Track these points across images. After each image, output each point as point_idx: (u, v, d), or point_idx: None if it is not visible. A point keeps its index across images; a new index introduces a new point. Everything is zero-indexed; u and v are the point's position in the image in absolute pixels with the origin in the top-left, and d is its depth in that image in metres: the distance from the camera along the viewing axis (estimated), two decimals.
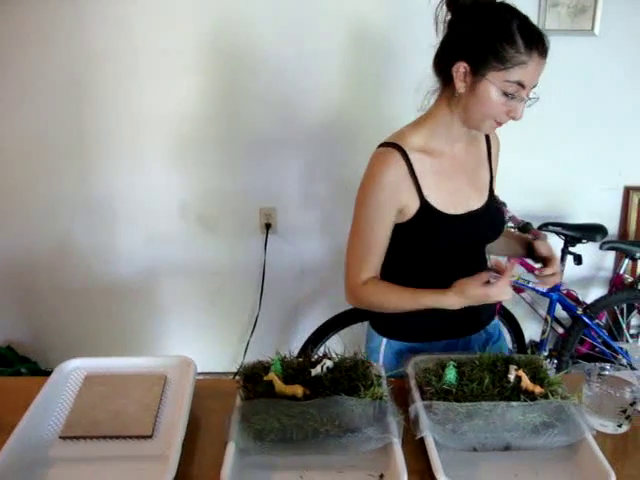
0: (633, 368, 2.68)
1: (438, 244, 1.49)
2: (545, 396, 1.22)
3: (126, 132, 2.73)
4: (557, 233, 2.59)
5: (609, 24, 2.65)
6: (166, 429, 1.19)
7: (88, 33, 2.59)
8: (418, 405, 1.21)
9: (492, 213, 1.57)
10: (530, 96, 1.36)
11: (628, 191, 2.90)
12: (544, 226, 2.57)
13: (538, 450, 1.17)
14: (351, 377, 1.25)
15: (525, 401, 1.21)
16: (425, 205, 1.44)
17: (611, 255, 2.98)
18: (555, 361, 2.65)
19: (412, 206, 1.44)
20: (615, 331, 2.82)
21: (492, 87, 1.33)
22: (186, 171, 2.81)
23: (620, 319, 2.80)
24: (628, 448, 1.24)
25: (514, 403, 1.19)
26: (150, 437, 1.17)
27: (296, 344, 2.80)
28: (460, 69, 1.35)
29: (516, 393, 1.23)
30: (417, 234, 1.47)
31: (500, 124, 1.41)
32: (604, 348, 2.71)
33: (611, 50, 2.71)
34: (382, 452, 1.13)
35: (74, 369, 1.38)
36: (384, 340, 1.62)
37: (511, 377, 1.26)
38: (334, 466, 1.13)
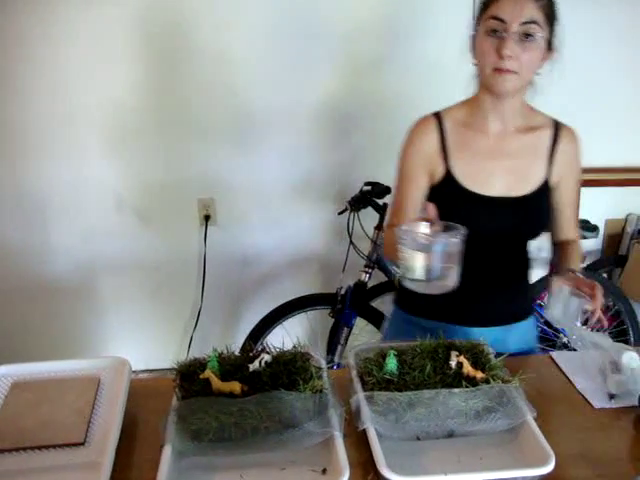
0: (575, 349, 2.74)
1: (458, 219, 1.37)
2: (487, 381, 1.22)
3: (56, 123, 2.62)
4: None
5: None
6: (100, 435, 1.14)
7: (13, 18, 2.45)
8: (359, 396, 1.19)
9: (529, 209, 1.52)
10: (533, 33, 1.35)
11: None
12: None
13: (481, 435, 1.17)
14: (290, 371, 1.21)
15: (467, 387, 1.20)
16: (448, 175, 1.48)
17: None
18: None
19: (439, 173, 1.49)
20: None
21: (480, 33, 1.39)
22: (121, 163, 2.72)
23: None
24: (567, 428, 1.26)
25: (456, 390, 1.18)
26: (82, 444, 1.11)
27: (241, 337, 2.77)
28: (470, 39, 1.45)
29: (458, 379, 1.23)
30: (440, 202, 1.39)
31: (501, 72, 1.37)
32: (546, 327, 2.76)
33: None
34: (324, 446, 1.11)
35: None
36: (393, 307, 1.70)
37: (452, 364, 1.25)
38: (276, 463, 1.10)
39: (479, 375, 1.23)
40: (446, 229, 1.24)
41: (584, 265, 2.90)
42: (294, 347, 1.30)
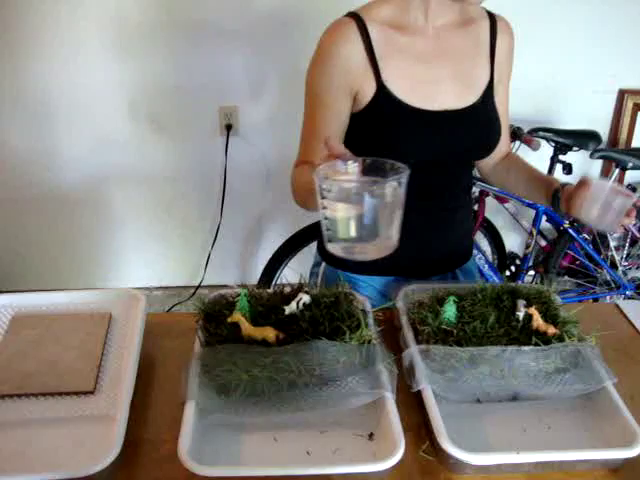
0: (619, 285, 2.58)
1: (398, 145, 1.20)
2: (559, 338, 1.05)
3: (62, 21, 2.37)
4: (547, 139, 2.39)
5: None
6: (112, 382, 0.99)
7: None
8: (413, 350, 1.02)
9: (480, 120, 1.27)
10: None
11: (623, 94, 2.69)
12: (533, 131, 2.36)
13: (548, 400, 1.01)
14: (333, 316, 1.05)
15: (537, 344, 1.03)
16: (382, 91, 1.18)
17: (598, 164, 2.80)
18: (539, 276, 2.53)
19: (368, 91, 1.19)
20: (599, 244, 2.69)
21: None
22: (134, 66, 2.49)
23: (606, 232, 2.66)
24: None
25: (526, 348, 1.02)
26: (92, 393, 0.96)
27: (263, 256, 2.61)
28: None
29: (526, 334, 1.06)
30: (373, 129, 1.20)
31: None
32: (587, 262, 2.59)
33: None
34: (371, 407, 0.95)
35: None
36: (323, 264, 1.42)
37: (520, 315, 1.08)
38: (315, 425, 0.95)
39: (551, 330, 1.06)
40: (377, 166, 0.93)
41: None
42: (336, 285, 1.13)
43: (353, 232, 0.90)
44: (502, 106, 1.34)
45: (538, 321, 1.07)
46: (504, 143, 1.40)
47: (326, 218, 0.91)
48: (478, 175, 1.49)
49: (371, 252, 0.93)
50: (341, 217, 0.90)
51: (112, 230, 2.79)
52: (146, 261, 2.87)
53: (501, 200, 2.53)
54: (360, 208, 0.88)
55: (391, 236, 0.93)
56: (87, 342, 1.05)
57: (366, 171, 0.93)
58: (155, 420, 0.97)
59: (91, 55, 2.45)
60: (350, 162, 0.93)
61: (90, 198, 2.70)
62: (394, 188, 0.89)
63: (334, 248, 0.94)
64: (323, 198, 0.89)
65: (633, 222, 1.14)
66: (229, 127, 2.59)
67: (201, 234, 2.82)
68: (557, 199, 1.24)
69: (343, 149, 0.95)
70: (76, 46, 2.43)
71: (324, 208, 0.90)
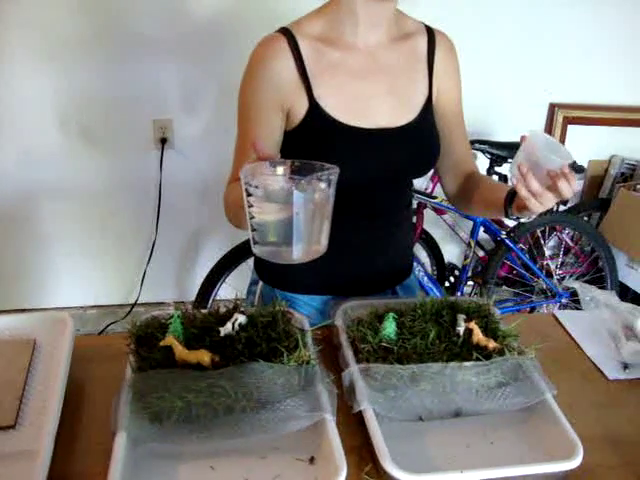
0: (555, 294, 2.63)
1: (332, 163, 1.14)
2: (500, 352, 1.04)
3: None
4: (483, 151, 2.42)
5: None
6: (35, 414, 0.92)
7: None
8: (353, 370, 1.00)
9: (417, 138, 1.24)
10: None
11: (553, 108, 2.77)
12: (469, 144, 2.38)
13: (490, 414, 1.00)
14: (270, 336, 1.02)
15: (478, 359, 1.02)
16: (314, 108, 1.15)
17: None
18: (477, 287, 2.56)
19: (300, 108, 1.16)
20: (535, 253, 2.75)
21: None
22: (62, 75, 2.39)
23: (541, 241, 2.72)
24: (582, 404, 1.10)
25: (467, 363, 1.01)
26: (13, 427, 0.90)
27: (199, 273, 2.55)
28: None
29: (467, 349, 1.05)
30: (306, 147, 1.17)
31: None
32: (523, 271, 2.63)
33: None
34: (312, 430, 0.92)
35: None
36: (260, 282, 1.38)
37: (460, 330, 1.07)
38: (253, 451, 0.91)
39: (491, 344, 1.05)
40: (307, 169, 0.90)
41: (564, 208, 2.76)
42: (273, 304, 1.10)
43: (280, 234, 0.87)
44: (454, 118, 1.31)
45: (478, 336, 1.06)
46: (466, 161, 1.38)
47: (252, 217, 0.88)
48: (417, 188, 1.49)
49: (298, 256, 0.90)
50: (268, 217, 0.87)
51: (42, 248, 2.68)
52: (80, 279, 2.76)
53: (439, 212, 2.56)
54: (288, 208, 0.85)
55: (320, 240, 0.90)
56: (8, 371, 0.98)
57: (295, 173, 0.90)
58: (84, 452, 0.91)
59: (18, 65, 2.35)
60: (278, 164, 0.91)
61: (18, 214, 2.59)
62: (323, 186, 0.86)
63: (260, 250, 0.91)
64: (249, 196, 0.86)
65: (572, 190, 1.03)
66: (164, 141, 2.54)
67: (136, 250, 2.74)
68: (509, 202, 1.17)
69: (271, 152, 0.92)
70: (1, 55, 2.32)
71: (250, 207, 0.87)
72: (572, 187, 1.03)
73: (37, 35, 2.32)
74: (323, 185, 0.87)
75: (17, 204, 2.56)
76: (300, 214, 0.85)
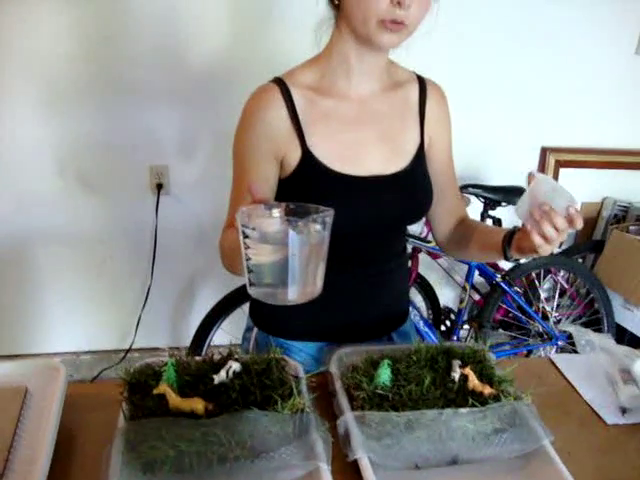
0: (551, 337, 2.62)
1: None
2: (496, 397, 1.04)
3: None
4: (477, 195, 2.44)
5: None
6: (24, 465, 0.90)
7: None
8: (348, 417, 0.98)
9: (409, 186, 1.25)
10: None
11: (545, 152, 2.81)
12: (463, 188, 2.41)
13: (488, 462, 0.98)
14: (264, 384, 1.01)
15: (474, 405, 1.01)
16: (308, 157, 1.17)
17: None
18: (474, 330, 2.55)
19: (293, 157, 1.18)
20: (531, 296, 2.74)
21: None
22: (61, 121, 2.42)
23: (537, 284, 2.72)
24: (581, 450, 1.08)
25: (463, 410, 1.00)
26: (1, 478, 0.88)
27: (194, 319, 2.54)
28: None
29: (462, 395, 1.04)
30: (300, 195, 1.16)
31: (394, 25, 1.07)
32: (519, 314, 2.62)
33: (533, 4, 2.58)
34: (307, 478, 0.90)
35: None
36: (255, 329, 1.38)
37: (455, 376, 1.06)
38: None
39: (487, 390, 1.05)
40: (302, 212, 0.91)
41: (558, 250, 2.77)
42: (268, 351, 1.09)
43: (276, 275, 0.87)
44: (444, 166, 1.33)
45: (474, 381, 1.05)
46: (458, 206, 1.39)
47: (248, 259, 0.88)
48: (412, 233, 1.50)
49: (293, 297, 0.89)
50: (264, 259, 0.87)
51: (36, 292, 2.67)
52: (73, 324, 2.74)
53: (434, 256, 2.56)
54: (284, 250, 0.85)
55: (315, 281, 0.90)
56: None
57: (290, 216, 0.91)
58: None
59: (18, 110, 2.38)
60: (274, 207, 0.92)
61: (13, 258, 2.58)
62: (319, 228, 0.87)
63: (256, 292, 0.91)
64: (245, 238, 0.86)
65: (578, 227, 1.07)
66: (160, 186, 2.55)
67: (131, 295, 2.72)
68: (507, 244, 1.19)
69: (267, 196, 0.93)
70: (1, 101, 2.36)
71: (247, 248, 0.87)
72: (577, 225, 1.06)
73: (36, 83, 2.35)
74: (318, 227, 0.88)
75: (12, 248, 2.55)
76: (296, 256, 0.86)
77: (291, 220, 0.88)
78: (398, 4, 1.05)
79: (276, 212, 0.92)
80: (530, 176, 1.08)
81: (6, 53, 2.29)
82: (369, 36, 1.11)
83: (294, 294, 0.89)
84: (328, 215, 0.88)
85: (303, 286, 0.89)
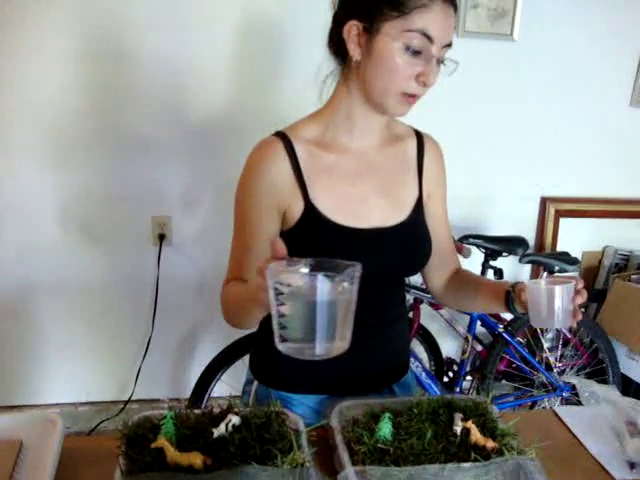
0: (555, 387, 2.59)
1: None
2: (499, 451, 1.02)
3: None
4: (478, 246, 2.44)
5: (528, 30, 2.58)
6: None
7: None
8: (349, 472, 0.96)
9: (408, 238, 1.26)
10: (445, 61, 1.12)
11: (545, 202, 2.83)
12: (464, 239, 2.42)
13: None
14: (263, 438, 0.99)
15: (476, 460, 0.99)
16: (310, 210, 1.18)
17: (527, 268, 2.88)
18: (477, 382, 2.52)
19: (296, 210, 1.19)
20: (534, 346, 2.72)
21: (391, 42, 1.08)
22: (65, 172, 2.45)
23: (539, 334, 2.70)
24: None
25: (465, 464, 0.98)
26: None
27: (195, 369, 2.51)
28: (352, 30, 1.12)
29: (464, 449, 1.02)
30: (303, 247, 1.18)
31: (412, 98, 1.12)
32: (522, 365, 2.59)
33: (529, 56, 2.64)
34: None
35: None
36: (255, 382, 1.36)
37: (457, 430, 1.05)
38: None
39: (490, 444, 1.03)
40: (328, 267, 0.90)
41: None
42: (268, 404, 1.08)
43: (307, 330, 0.87)
44: (439, 219, 1.35)
45: (476, 435, 1.04)
46: (452, 258, 1.41)
47: (281, 316, 0.88)
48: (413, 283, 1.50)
49: (322, 352, 0.88)
50: (295, 314, 0.87)
51: (35, 342, 2.65)
52: (72, 375, 2.71)
53: (435, 307, 2.55)
54: (314, 305, 0.85)
55: (345, 336, 0.90)
56: None
57: (314, 270, 0.90)
58: None
59: (22, 161, 2.41)
60: (296, 262, 0.92)
61: (11, 307, 2.57)
62: (347, 283, 0.88)
63: (286, 347, 0.90)
64: (279, 294, 0.87)
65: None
66: (162, 237, 2.56)
67: (131, 346, 2.70)
68: (511, 301, 1.21)
69: (283, 251, 0.93)
70: (6, 151, 2.39)
71: (279, 305, 0.87)
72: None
73: (41, 134, 2.39)
74: (347, 282, 0.88)
75: (12, 298, 2.55)
76: (325, 310, 0.86)
77: (320, 275, 0.88)
78: (423, 83, 1.10)
79: (303, 268, 0.92)
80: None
81: (13, 104, 2.34)
82: (385, 106, 1.15)
83: (322, 349, 0.88)
84: (357, 270, 0.89)
85: (332, 340, 0.89)
